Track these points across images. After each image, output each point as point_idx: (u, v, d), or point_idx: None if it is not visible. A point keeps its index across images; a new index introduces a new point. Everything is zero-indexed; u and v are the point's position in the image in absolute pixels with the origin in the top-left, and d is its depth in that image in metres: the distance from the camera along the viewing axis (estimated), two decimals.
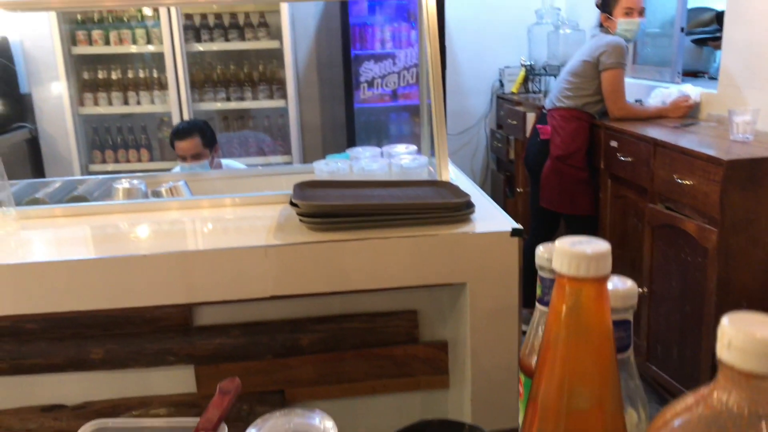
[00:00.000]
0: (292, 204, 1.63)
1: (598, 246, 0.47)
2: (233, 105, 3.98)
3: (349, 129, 4.07)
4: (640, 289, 2.45)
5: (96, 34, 3.82)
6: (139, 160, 4.04)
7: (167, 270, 1.49)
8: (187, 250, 1.51)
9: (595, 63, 2.92)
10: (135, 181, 2.05)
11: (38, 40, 4.12)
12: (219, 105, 3.97)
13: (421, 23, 2.20)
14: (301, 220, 1.60)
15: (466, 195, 1.66)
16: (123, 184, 2.03)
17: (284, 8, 3.75)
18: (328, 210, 1.58)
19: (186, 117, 3.84)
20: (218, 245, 1.55)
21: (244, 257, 1.50)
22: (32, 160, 4.29)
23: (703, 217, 2.07)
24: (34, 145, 4.29)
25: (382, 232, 1.55)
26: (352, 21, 3.96)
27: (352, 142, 4.09)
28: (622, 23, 2.96)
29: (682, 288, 2.16)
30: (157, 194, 2.05)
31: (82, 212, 1.86)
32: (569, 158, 2.93)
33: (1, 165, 1.93)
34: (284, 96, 3.97)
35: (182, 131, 2.94)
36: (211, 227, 1.78)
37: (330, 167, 2.05)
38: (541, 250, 0.59)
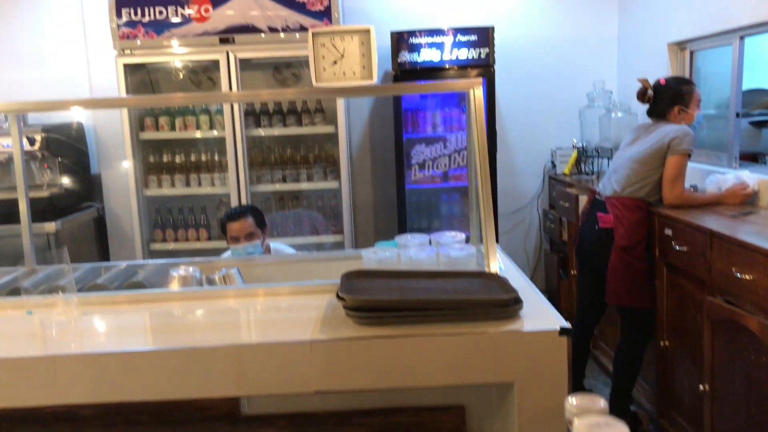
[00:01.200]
0: (339, 297, 1.65)
1: None
2: (289, 186, 4.11)
3: (400, 209, 4.13)
4: (701, 386, 2.34)
5: (163, 120, 4.05)
6: (198, 239, 4.18)
7: (218, 363, 1.52)
8: (237, 344, 1.54)
9: (663, 150, 2.87)
10: (191, 269, 2.12)
11: (109, 125, 4.40)
12: (276, 187, 4.10)
13: (469, 114, 2.25)
14: (347, 314, 1.62)
15: (514, 290, 1.65)
16: (179, 271, 2.10)
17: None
18: (374, 305, 1.59)
19: (244, 198, 3.98)
20: (267, 338, 1.58)
21: (290, 352, 1.51)
22: (98, 237, 4.48)
23: (765, 314, 1.98)
24: (100, 223, 4.51)
25: (429, 328, 1.55)
26: (404, 106, 4.08)
27: (403, 222, 4.14)
28: (697, 114, 2.99)
29: (746, 388, 2.05)
30: (211, 281, 2.11)
31: (140, 299, 1.93)
32: (633, 249, 2.87)
33: (66, 253, 2.04)
34: (337, 177, 4.08)
35: (235, 214, 3.03)
36: (261, 318, 1.82)
37: (378, 256, 2.07)
38: (572, 404, 0.58)
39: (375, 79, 2.26)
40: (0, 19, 4.48)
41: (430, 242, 2.22)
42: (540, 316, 1.62)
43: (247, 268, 2.30)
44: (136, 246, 4.07)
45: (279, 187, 4.11)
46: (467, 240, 2.22)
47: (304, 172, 4.11)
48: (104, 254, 4.49)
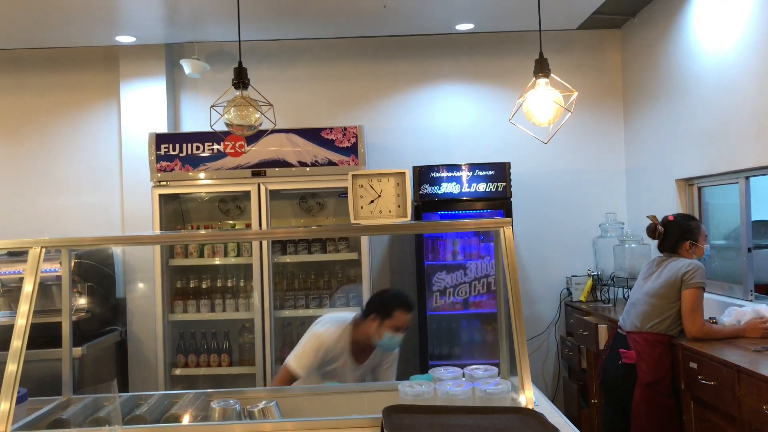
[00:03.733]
0: None
1: None
2: (312, 312, 4.19)
3: (422, 334, 4.18)
4: None
5: (192, 247, 4.20)
6: (220, 365, 4.20)
7: None
8: None
9: (678, 284, 2.98)
10: (231, 401, 2.17)
11: (137, 251, 4.56)
12: (299, 312, 4.18)
13: (498, 250, 2.37)
14: None
15: (555, 428, 1.69)
16: (219, 404, 2.15)
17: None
18: None
19: (267, 323, 4.04)
20: None
21: None
22: (119, 361, 4.51)
23: None
24: (121, 346, 4.54)
25: None
26: (425, 234, 4.24)
27: (424, 348, 4.17)
28: (705, 248, 3.13)
29: None
30: (250, 414, 2.15)
31: None
32: (657, 385, 2.90)
33: (115, 385, 2.10)
34: (360, 303, 4.16)
35: (412, 303, 2.96)
36: None
37: (415, 390, 2.12)
38: None
39: (409, 217, 2.41)
40: (41, 150, 4.77)
41: (463, 375, 2.27)
42: None
43: (283, 399, 2.34)
44: (159, 371, 4.08)
45: (302, 312, 4.19)
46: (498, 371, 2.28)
47: (327, 298, 4.21)
48: (124, 378, 4.49)
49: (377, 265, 4.69)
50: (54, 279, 4.09)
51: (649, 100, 4.36)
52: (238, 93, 2.23)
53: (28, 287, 2.19)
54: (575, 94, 2.26)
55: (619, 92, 4.81)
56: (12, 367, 2.01)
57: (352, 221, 2.45)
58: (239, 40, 2.56)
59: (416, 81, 4.83)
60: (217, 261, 4.24)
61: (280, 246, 4.21)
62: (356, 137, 4.12)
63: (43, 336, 4.02)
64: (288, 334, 4.27)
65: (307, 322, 4.29)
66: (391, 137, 4.75)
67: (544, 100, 2.24)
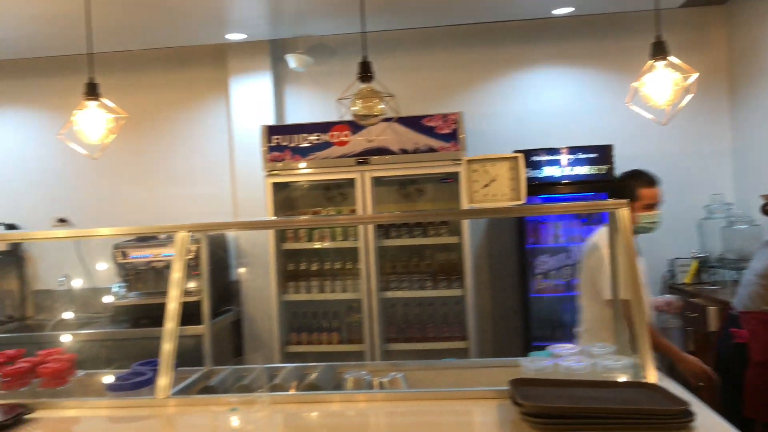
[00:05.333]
0: (516, 403, 1.81)
1: None
2: (415, 293, 4.35)
3: (524, 317, 4.26)
4: None
5: (302, 232, 4.45)
6: (329, 343, 4.44)
7: None
8: None
9: None
10: (362, 372, 2.34)
11: (250, 236, 4.84)
12: (403, 293, 4.35)
13: (614, 230, 2.43)
14: (524, 419, 1.77)
15: (684, 402, 1.76)
16: (351, 374, 2.33)
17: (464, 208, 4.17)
18: (554, 412, 1.74)
19: (374, 304, 4.24)
20: None
21: None
22: (234, 339, 4.83)
23: None
24: (237, 326, 4.86)
25: None
26: (527, 218, 4.30)
27: (527, 330, 4.25)
28: None
29: None
30: (380, 385, 2.32)
31: (319, 399, 2.14)
32: None
33: (262, 357, 2.31)
34: (461, 285, 4.28)
35: (654, 178, 2.92)
36: (434, 421, 1.98)
37: (536, 365, 2.22)
38: None
39: (523, 200, 2.50)
40: (159, 143, 5.13)
41: (581, 353, 2.35)
42: (713, 428, 1.71)
43: (404, 372, 2.50)
44: (274, 347, 4.36)
45: (406, 294, 4.35)
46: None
47: (429, 280, 4.36)
48: (239, 354, 4.81)
49: (476, 248, 4.78)
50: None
51: (761, 76, 4.22)
52: (363, 85, 2.39)
53: (177, 273, 2.42)
54: (695, 75, 2.28)
55: (723, 70, 4.67)
56: (168, 346, 2.25)
57: (467, 205, 2.57)
58: (363, 32, 2.71)
59: (513, 66, 4.87)
60: (325, 245, 4.47)
61: (384, 230, 4.38)
62: (456, 124, 4.22)
63: (163, 315, 4.37)
64: (392, 314, 4.45)
65: (411, 303, 4.49)
66: (488, 123, 4.82)
67: (662, 82, 2.27)
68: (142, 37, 4.72)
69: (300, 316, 4.55)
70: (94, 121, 2.45)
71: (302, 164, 4.34)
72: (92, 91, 2.47)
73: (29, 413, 2.08)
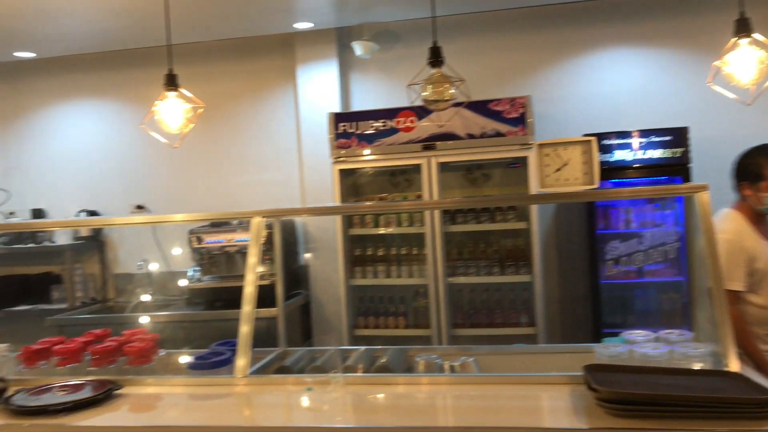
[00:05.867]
0: (591, 388, 1.80)
1: None
2: (482, 279, 4.34)
3: (594, 303, 4.19)
4: None
5: (369, 218, 4.50)
6: (396, 327, 4.49)
7: None
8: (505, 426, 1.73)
9: None
10: (433, 356, 2.37)
11: (318, 222, 4.94)
12: (470, 279, 4.35)
13: (690, 215, 2.36)
14: (599, 405, 1.75)
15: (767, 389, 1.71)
16: (422, 357, 2.36)
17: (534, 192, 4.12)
18: (632, 398, 1.72)
19: (441, 289, 4.26)
20: (524, 424, 1.74)
21: None
22: (303, 322, 4.94)
23: None
24: (305, 309, 4.98)
25: (682, 423, 1.64)
26: (597, 203, 4.22)
27: (598, 317, 4.18)
28: None
29: None
30: (451, 369, 2.34)
31: (388, 381, 2.18)
32: None
33: (332, 339, 2.37)
34: (529, 271, 4.24)
35: None
36: (507, 405, 1.98)
37: (610, 351, 2.20)
38: None
39: (597, 184, 2.46)
40: (229, 132, 5.27)
41: (656, 339, 2.30)
42: None
43: (477, 357, 2.51)
44: (342, 330, 4.45)
45: (473, 279, 4.35)
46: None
47: (497, 265, 4.33)
48: (308, 337, 4.92)
49: (544, 233, 4.72)
50: (244, 248, 4.56)
51: None
52: (433, 71, 2.39)
53: (252, 258, 2.49)
54: None
55: None
56: (245, 328, 2.33)
57: (538, 189, 2.55)
58: (433, 16, 2.70)
59: (582, 48, 4.75)
60: (391, 230, 4.51)
61: (450, 216, 4.38)
62: (524, 107, 4.16)
63: (236, 298, 4.51)
64: (459, 300, 4.46)
65: (477, 288, 4.48)
66: (556, 106, 4.73)
67: (746, 61, 2.19)
68: (214, 29, 4.84)
69: (367, 300, 4.62)
70: (173, 111, 2.55)
71: (368, 150, 4.39)
72: (171, 82, 2.57)
73: (118, 389, 2.20)
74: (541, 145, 2.48)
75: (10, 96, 5.52)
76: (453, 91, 2.31)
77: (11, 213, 5.34)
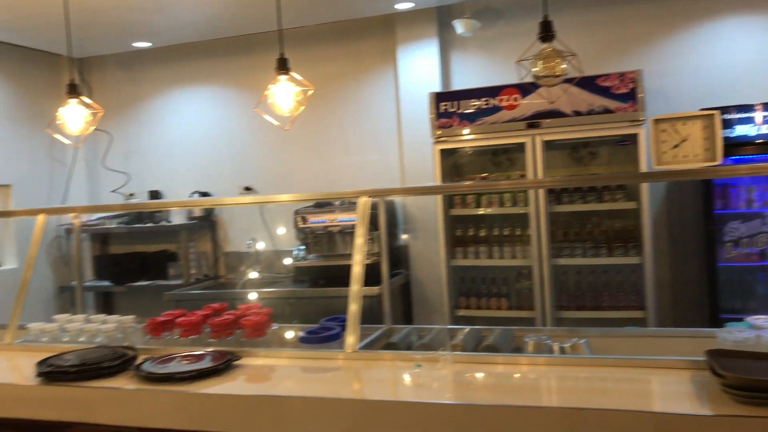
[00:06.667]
0: (716, 374, 1.71)
1: None
2: (589, 261, 4.22)
3: (711, 287, 3.97)
4: None
5: (470, 198, 4.47)
6: (499, 308, 4.45)
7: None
8: (618, 409, 1.68)
9: None
10: (542, 337, 2.33)
11: (418, 201, 4.96)
12: (576, 261, 4.24)
13: None
14: (725, 391, 1.67)
15: None
16: (531, 338, 2.33)
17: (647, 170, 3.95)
18: (760, 385, 1.63)
19: (545, 271, 4.18)
20: (640, 407, 1.68)
21: (673, 422, 1.61)
22: (403, 301, 5.00)
23: None
24: (405, 288, 5.03)
25: None
26: (714, 181, 3.98)
27: (714, 301, 3.97)
28: None
29: None
30: (561, 350, 2.30)
31: (497, 361, 2.16)
32: None
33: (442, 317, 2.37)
34: (639, 253, 4.08)
35: None
36: (622, 388, 1.92)
37: (735, 336, 2.08)
38: None
39: (720, 161, 2.32)
40: (331, 114, 5.36)
41: None
42: None
43: (594, 339, 2.44)
44: (444, 311, 4.47)
45: (578, 261, 4.24)
46: None
47: (604, 247, 4.20)
48: (408, 316, 4.98)
49: (655, 213, 4.52)
50: (352, 228, 4.67)
51: None
52: (543, 45, 2.33)
53: (360, 239, 2.51)
54: None
55: None
56: (354, 306, 2.38)
57: (654, 166, 2.44)
58: None
59: (695, 17, 4.47)
60: (493, 211, 4.46)
61: (555, 196, 4.28)
62: (634, 83, 3.98)
63: (338, 276, 4.61)
64: (564, 282, 4.36)
65: (584, 270, 4.36)
66: (668, 81, 4.49)
67: None
68: (318, 12, 4.92)
69: (468, 281, 4.61)
70: (285, 94, 2.63)
71: (470, 130, 4.34)
72: (283, 66, 2.65)
73: (236, 360, 2.32)
74: (657, 121, 2.36)
75: (129, 84, 5.87)
76: (565, 66, 2.24)
77: (131, 194, 5.71)
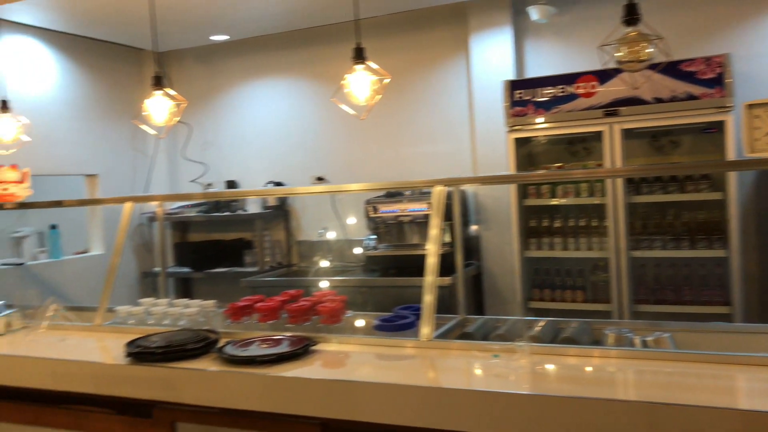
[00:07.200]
0: None
1: None
2: (669, 253, 4.07)
3: None
4: None
5: (545, 188, 4.38)
6: (574, 301, 4.36)
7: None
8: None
9: None
10: (623, 329, 2.27)
11: (490, 191, 4.90)
12: (656, 253, 4.10)
13: None
14: None
15: None
16: (612, 331, 2.27)
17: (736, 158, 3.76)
18: None
19: (623, 263, 4.05)
20: (724, 404, 1.61)
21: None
22: (474, 292, 4.96)
23: None
24: (477, 279, 4.99)
25: None
26: None
27: None
28: None
29: None
30: (643, 344, 2.23)
31: (577, 353, 2.11)
32: None
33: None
34: (724, 246, 3.90)
35: None
36: (719, 386, 1.84)
37: None
38: None
39: None
40: (402, 104, 5.35)
41: None
42: None
43: (680, 334, 2.36)
44: (516, 303, 4.41)
45: (658, 254, 4.09)
46: None
47: (686, 240, 4.04)
48: (479, 307, 4.94)
49: (742, 205, 4.30)
50: (423, 217, 4.67)
51: None
52: (627, 29, 2.25)
53: (435, 230, 2.51)
54: None
55: None
56: (429, 297, 2.37)
57: (745, 154, 2.32)
58: None
59: None
60: (568, 201, 4.36)
61: (634, 186, 4.14)
62: (722, 67, 3.79)
63: (409, 265, 4.64)
64: (643, 275, 4.22)
65: (663, 263, 4.21)
66: (759, 65, 4.25)
67: None
68: (391, 2, 4.92)
69: (542, 272, 4.53)
70: (361, 84, 2.64)
71: (545, 118, 4.25)
72: (360, 55, 2.67)
73: (314, 345, 2.36)
74: (751, 106, 2.24)
75: (206, 77, 6.05)
76: (651, 50, 2.15)
77: (209, 184, 5.89)
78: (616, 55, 2.21)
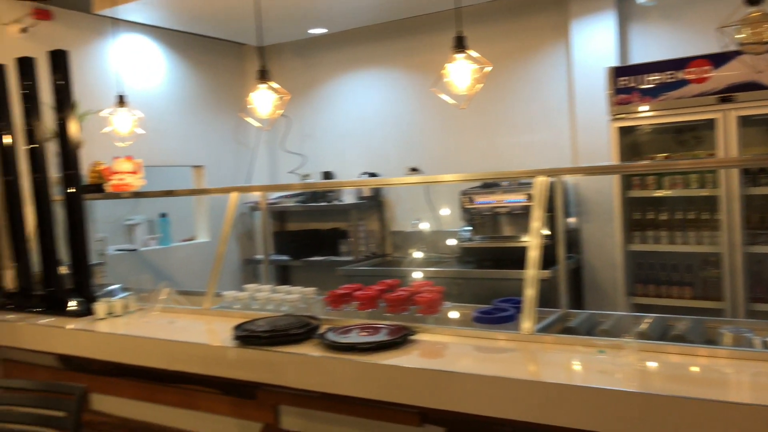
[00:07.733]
0: None
1: None
2: None
3: None
4: None
5: (650, 179, 4.19)
6: (681, 297, 4.15)
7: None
8: None
9: None
10: (741, 329, 2.14)
11: (591, 183, 4.74)
12: None
13: None
14: None
15: None
16: (729, 330, 2.14)
17: None
18: None
19: (738, 259, 3.81)
20: None
21: None
22: (573, 286, 4.82)
23: None
24: (576, 273, 4.84)
25: None
26: None
27: None
28: None
29: None
30: (765, 344, 2.09)
31: (689, 352, 2.00)
32: None
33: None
34: None
35: None
36: None
37: None
38: None
39: None
40: (499, 93, 5.24)
41: None
42: None
43: None
44: (618, 297, 4.25)
45: None
46: None
47: None
48: (578, 302, 4.79)
49: None
50: (520, 209, 4.58)
51: None
52: (749, 9, 2.10)
53: (536, 222, 2.47)
54: None
55: None
56: (530, 291, 2.33)
57: None
58: None
59: None
60: (676, 193, 4.14)
61: (752, 177, 3.88)
62: None
63: (505, 258, 4.56)
64: (759, 271, 3.95)
65: None
66: None
67: None
68: None
69: (646, 267, 4.33)
70: (462, 73, 2.62)
71: (651, 106, 4.05)
72: (460, 44, 2.64)
73: (412, 335, 2.37)
74: None
75: (304, 70, 6.18)
76: None
77: (306, 175, 6.03)
78: (737, 36, 2.06)
